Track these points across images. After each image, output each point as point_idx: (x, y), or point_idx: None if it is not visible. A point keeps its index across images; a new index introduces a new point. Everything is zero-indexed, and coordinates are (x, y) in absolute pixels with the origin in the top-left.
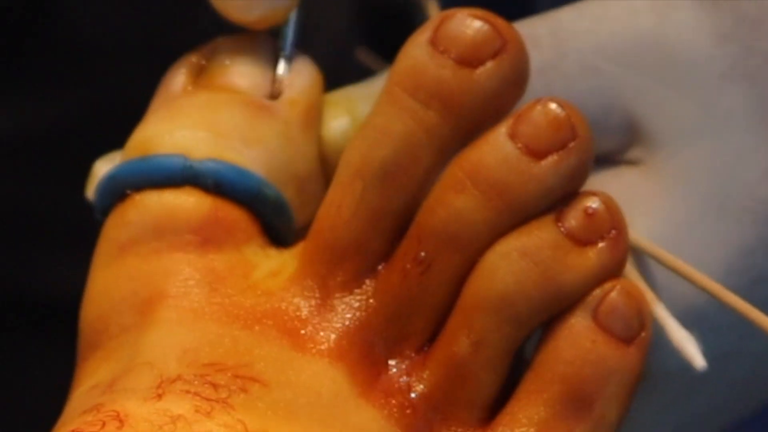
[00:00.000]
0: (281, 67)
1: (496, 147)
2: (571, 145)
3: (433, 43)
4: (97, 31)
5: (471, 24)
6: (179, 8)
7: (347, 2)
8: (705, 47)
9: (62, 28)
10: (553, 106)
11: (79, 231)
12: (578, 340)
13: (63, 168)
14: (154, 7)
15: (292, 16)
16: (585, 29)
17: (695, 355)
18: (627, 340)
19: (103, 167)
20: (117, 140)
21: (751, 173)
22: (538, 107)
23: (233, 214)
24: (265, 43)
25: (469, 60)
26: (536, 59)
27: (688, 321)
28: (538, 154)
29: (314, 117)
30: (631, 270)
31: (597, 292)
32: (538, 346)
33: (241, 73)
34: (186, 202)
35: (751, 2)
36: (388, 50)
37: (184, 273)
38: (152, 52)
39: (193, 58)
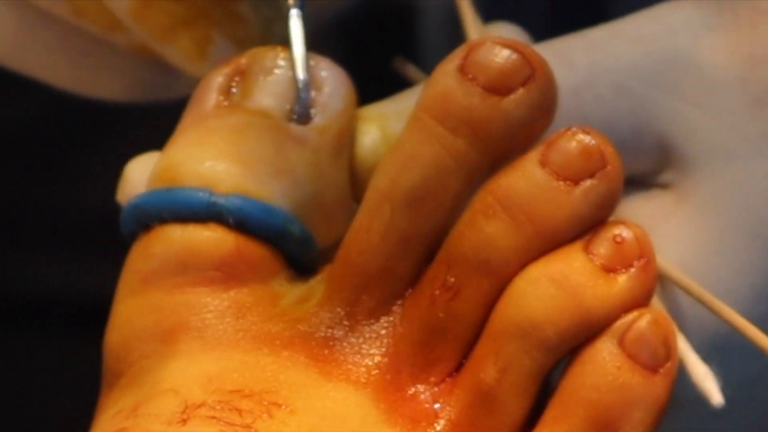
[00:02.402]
0: (310, 89)
1: (527, 173)
2: (601, 173)
3: (462, 70)
4: None
5: (500, 52)
6: None
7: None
8: (739, 71)
9: None
10: (583, 134)
11: (59, 228)
12: (603, 366)
13: (33, 165)
14: None
15: (298, 37)
16: (619, 50)
17: (713, 392)
18: (653, 368)
19: (134, 171)
20: (93, 138)
21: None
22: (569, 135)
23: (257, 251)
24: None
25: (498, 88)
26: (570, 79)
27: (714, 346)
28: (568, 182)
29: (345, 143)
30: (655, 299)
31: (624, 320)
32: (564, 372)
33: (274, 94)
34: (209, 238)
35: None
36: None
37: (208, 306)
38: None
39: (226, 71)
